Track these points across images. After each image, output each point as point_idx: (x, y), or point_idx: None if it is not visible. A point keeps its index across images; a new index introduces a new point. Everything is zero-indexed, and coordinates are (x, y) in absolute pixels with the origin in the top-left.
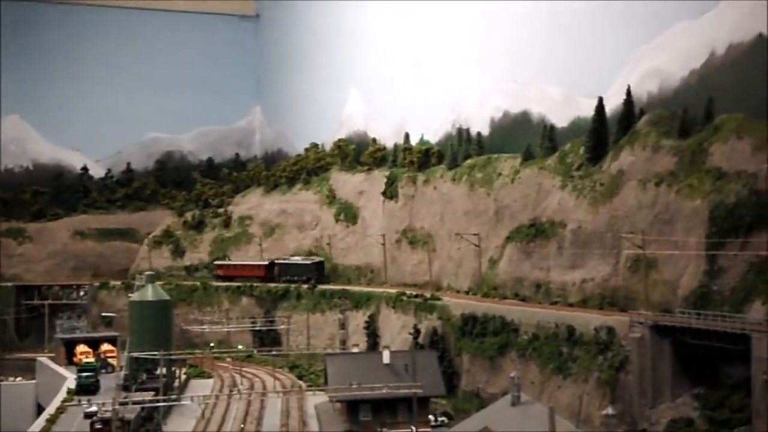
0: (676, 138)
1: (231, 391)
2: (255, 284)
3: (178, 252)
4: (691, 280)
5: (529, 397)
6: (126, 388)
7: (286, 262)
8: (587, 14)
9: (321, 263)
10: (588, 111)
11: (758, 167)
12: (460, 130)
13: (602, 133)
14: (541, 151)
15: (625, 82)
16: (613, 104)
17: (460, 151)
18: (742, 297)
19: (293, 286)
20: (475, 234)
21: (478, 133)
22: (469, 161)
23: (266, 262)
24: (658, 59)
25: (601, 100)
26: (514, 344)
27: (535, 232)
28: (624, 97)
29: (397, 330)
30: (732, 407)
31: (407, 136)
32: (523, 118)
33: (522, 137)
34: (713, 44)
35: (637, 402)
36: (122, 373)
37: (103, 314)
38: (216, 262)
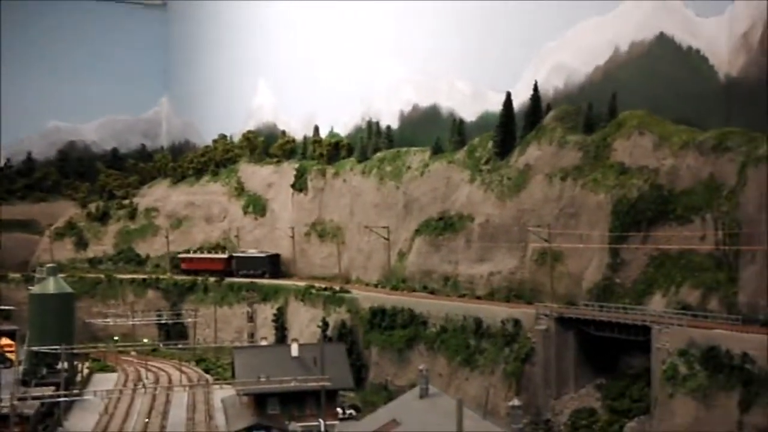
0: (581, 133)
1: (135, 385)
2: (161, 276)
3: (82, 244)
4: (595, 273)
5: (437, 390)
6: (25, 383)
7: (243, 255)
8: (495, 10)
9: (275, 256)
10: (496, 106)
11: (659, 162)
12: (369, 123)
13: (510, 128)
14: (450, 145)
15: (532, 77)
16: (520, 99)
17: (369, 144)
18: (643, 289)
19: (200, 278)
20: (384, 227)
21: (388, 127)
22: (378, 154)
23: (226, 256)
24: (563, 55)
25: (508, 95)
26: (423, 337)
27: (444, 226)
28: (531, 92)
29: (305, 323)
30: (632, 397)
31: (317, 128)
32: (433, 112)
33: (431, 131)
34: (617, 42)
35: (542, 393)
36: (21, 368)
37: (1, 307)
38: (180, 256)
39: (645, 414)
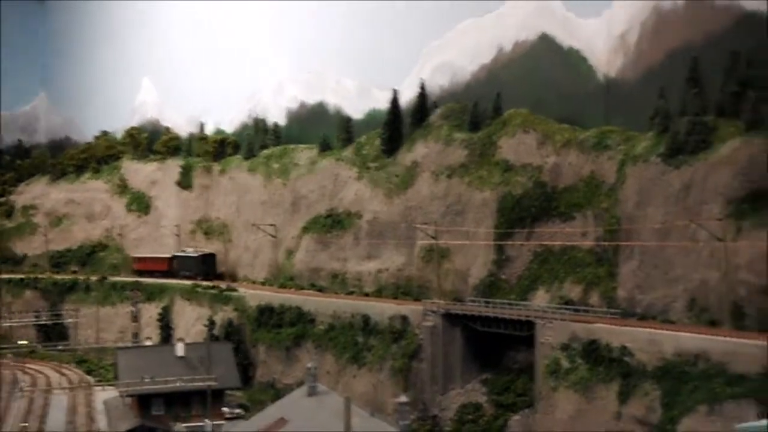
0: (467, 131)
1: (11, 388)
2: (39, 276)
3: None
4: (481, 270)
5: (326, 387)
6: None
7: (182, 255)
8: (380, 7)
9: (209, 256)
10: (383, 103)
11: (543, 160)
12: (256, 120)
13: (397, 126)
14: (337, 142)
15: (418, 75)
16: (407, 97)
17: (256, 141)
18: (528, 285)
19: (81, 277)
20: (271, 224)
21: (275, 124)
22: (265, 151)
23: (169, 256)
24: (449, 54)
25: (395, 92)
26: (311, 334)
27: (332, 223)
28: (418, 90)
29: (191, 322)
30: (517, 391)
31: (202, 125)
32: (320, 109)
33: (319, 128)
34: (500, 42)
35: (429, 389)
36: None
37: None
38: (134, 255)
39: (529, 407)
